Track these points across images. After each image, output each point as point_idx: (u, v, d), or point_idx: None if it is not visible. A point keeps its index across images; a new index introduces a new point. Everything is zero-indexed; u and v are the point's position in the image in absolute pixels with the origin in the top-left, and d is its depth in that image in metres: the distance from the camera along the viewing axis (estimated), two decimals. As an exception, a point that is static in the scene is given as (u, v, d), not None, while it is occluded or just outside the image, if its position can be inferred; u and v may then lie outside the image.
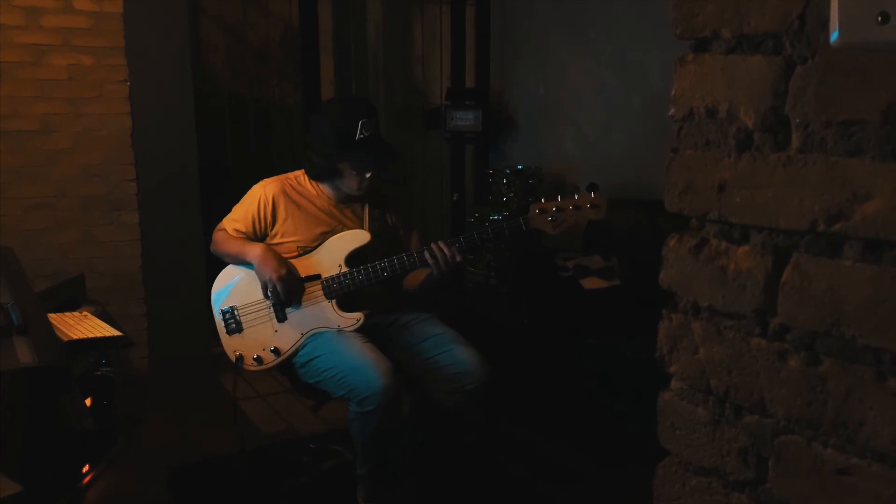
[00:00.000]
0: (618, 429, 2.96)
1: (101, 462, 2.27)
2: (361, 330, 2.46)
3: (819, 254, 0.79)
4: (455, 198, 4.70)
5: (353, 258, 2.48)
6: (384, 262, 2.42)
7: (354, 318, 2.47)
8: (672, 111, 0.91)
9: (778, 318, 0.83)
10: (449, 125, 4.51)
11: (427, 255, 2.38)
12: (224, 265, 2.62)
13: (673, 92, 0.91)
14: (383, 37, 5.07)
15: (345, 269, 2.47)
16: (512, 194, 4.17)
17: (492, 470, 2.98)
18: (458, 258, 2.38)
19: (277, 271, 2.41)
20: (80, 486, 2.12)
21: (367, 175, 2.48)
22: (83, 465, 2.12)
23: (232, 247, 2.53)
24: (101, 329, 2.42)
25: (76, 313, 2.59)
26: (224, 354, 2.59)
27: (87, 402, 2.31)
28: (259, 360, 2.51)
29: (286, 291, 2.43)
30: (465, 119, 4.50)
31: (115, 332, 2.43)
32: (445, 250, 2.37)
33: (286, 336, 2.50)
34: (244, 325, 2.53)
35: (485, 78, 4.92)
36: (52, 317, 2.39)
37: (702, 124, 0.88)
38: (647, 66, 3.82)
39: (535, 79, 4.63)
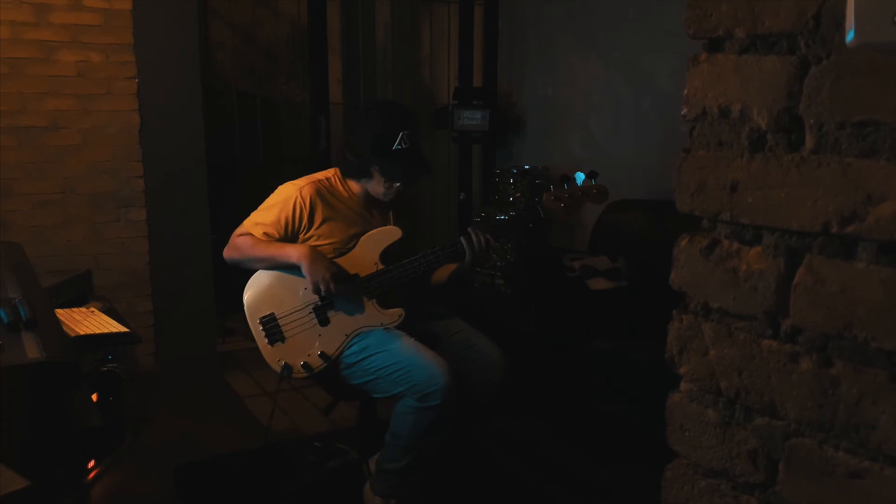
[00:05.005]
0: (625, 431, 2.96)
1: (107, 459, 2.27)
2: (403, 327, 2.46)
3: (832, 255, 0.78)
4: (462, 197, 4.70)
5: (387, 255, 2.48)
6: (419, 256, 2.42)
7: (396, 314, 2.46)
8: (684, 111, 0.91)
9: (790, 319, 0.82)
10: (456, 125, 4.51)
11: (464, 240, 2.41)
12: (242, 271, 2.55)
13: (685, 92, 0.90)
14: (391, 36, 5.07)
15: (381, 267, 2.46)
16: (518, 194, 4.17)
17: (498, 471, 2.98)
18: (492, 241, 2.43)
19: (329, 269, 2.38)
20: (87, 483, 2.13)
21: (396, 185, 2.48)
22: (90, 462, 2.13)
23: (266, 250, 2.44)
24: (108, 325, 2.43)
25: (83, 309, 2.60)
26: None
27: (94, 398, 2.32)
28: (307, 367, 2.44)
29: (339, 288, 2.39)
30: (472, 119, 4.50)
31: (123, 328, 2.43)
32: (480, 234, 2.40)
33: (331, 339, 2.45)
34: (286, 333, 2.46)
35: (492, 78, 4.92)
36: (60, 312, 2.39)
37: (714, 124, 0.88)
38: (655, 68, 3.82)
39: (543, 79, 4.63)
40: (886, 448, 0.75)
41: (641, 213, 3.59)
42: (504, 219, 2.46)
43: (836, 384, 0.79)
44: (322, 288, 2.37)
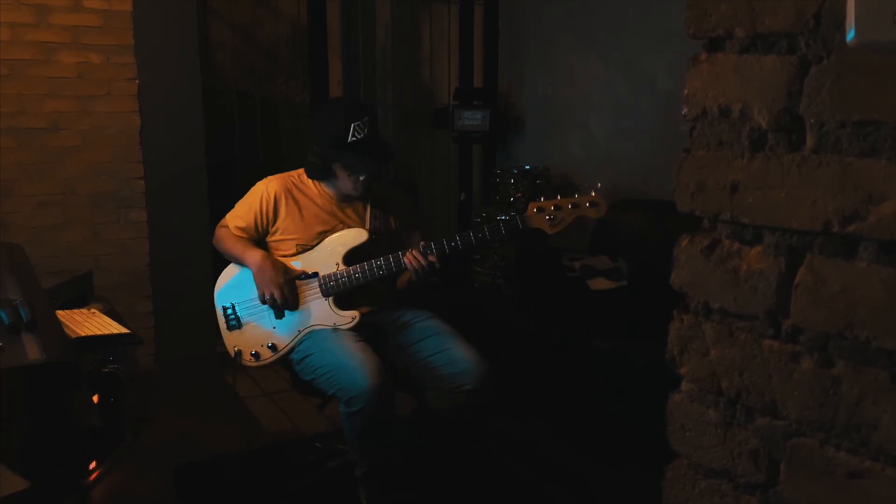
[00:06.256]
0: (625, 432, 2.95)
1: (107, 459, 2.27)
2: (359, 328, 2.47)
3: (833, 255, 0.78)
4: (462, 197, 4.69)
5: (352, 257, 2.49)
6: (380, 261, 2.43)
7: (350, 316, 2.48)
8: (684, 111, 0.91)
9: (791, 319, 0.82)
10: (456, 125, 4.51)
11: (405, 259, 2.40)
12: (225, 259, 2.67)
13: (685, 91, 0.90)
14: (391, 36, 5.06)
15: (342, 268, 2.48)
16: (519, 195, 4.16)
17: (498, 472, 2.98)
18: (435, 264, 2.38)
19: (275, 281, 2.46)
20: (87, 483, 2.13)
21: (361, 178, 2.49)
22: (90, 463, 2.13)
23: (233, 247, 2.57)
24: (109, 326, 2.43)
25: (84, 310, 2.60)
26: (228, 354, 2.60)
27: (94, 399, 2.32)
28: (257, 355, 2.55)
29: (284, 301, 2.47)
30: (472, 119, 4.50)
31: (123, 330, 2.43)
32: (420, 258, 2.38)
33: (283, 333, 2.53)
34: (243, 321, 2.57)
35: (493, 78, 4.91)
36: (60, 314, 2.39)
37: (715, 124, 0.88)
38: (655, 68, 3.81)
39: (543, 79, 4.62)
40: (888, 448, 0.75)
41: (641, 213, 3.58)
42: (478, 231, 2.40)
43: (838, 384, 0.79)
44: (266, 297, 2.47)
